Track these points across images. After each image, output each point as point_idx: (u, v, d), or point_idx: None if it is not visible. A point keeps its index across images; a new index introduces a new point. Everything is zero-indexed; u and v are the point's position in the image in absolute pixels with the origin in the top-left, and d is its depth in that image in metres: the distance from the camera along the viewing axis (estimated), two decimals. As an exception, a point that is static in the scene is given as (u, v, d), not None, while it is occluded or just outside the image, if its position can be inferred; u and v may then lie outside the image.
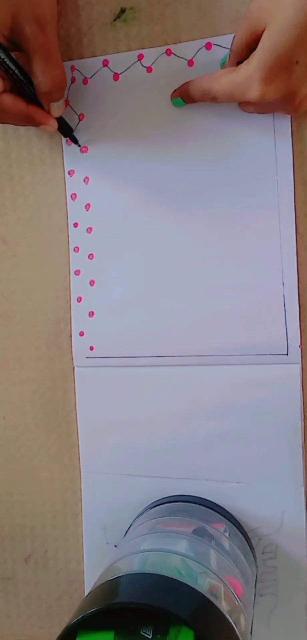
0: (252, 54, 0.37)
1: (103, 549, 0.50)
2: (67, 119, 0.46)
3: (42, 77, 0.41)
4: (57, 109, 0.43)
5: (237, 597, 0.37)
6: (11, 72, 0.41)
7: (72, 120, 0.47)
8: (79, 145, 0.48)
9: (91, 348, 0.49)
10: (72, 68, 0.47)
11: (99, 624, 0.33)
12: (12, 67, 0.41)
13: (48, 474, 0.52)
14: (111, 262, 0.48)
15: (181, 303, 0.47)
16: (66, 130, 0.46)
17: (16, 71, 0.41)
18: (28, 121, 0.43)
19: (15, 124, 0.44)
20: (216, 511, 0.46)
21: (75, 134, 0.47)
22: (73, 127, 0.47)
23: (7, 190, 0.50)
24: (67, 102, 0.47)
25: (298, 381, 0.45)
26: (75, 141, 0.47)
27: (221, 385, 0.46)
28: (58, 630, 0.34)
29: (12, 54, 0.41)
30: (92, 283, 0.49)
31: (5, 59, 0.40)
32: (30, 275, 0.51)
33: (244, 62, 0.38)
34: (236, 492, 0.47)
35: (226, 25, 0.43)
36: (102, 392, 0.49)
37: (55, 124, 0.44)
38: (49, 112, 0.43)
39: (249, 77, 0.37)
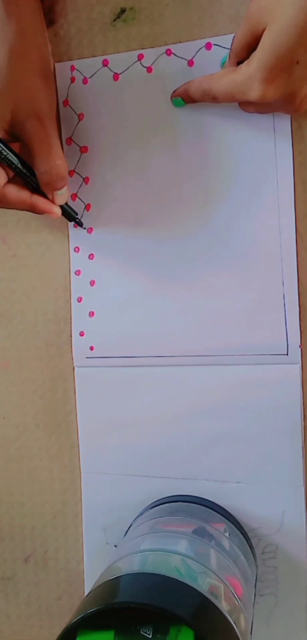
0: (252, 54, 0.37)
1: (103, 549, 0.50)
2: (66, 121, 0.46)
3: (43, 169, 0.42)
4: (60, 197, 0.44)
5: (237, 597, 0.37)
6: (14, 166, 0.42)
7: (72, 120, 0.47)
8: (85, 228, 0.48)
9: (91, 348, 0.49)
10: (72, 68, 0.47)
11: (99, 624, 0.33)
12: (15, 161, 0.42)
13: (48, 474, 0.52)
14: (111, 262, 0.48)
15: (181, 303, 0.47)
16: (70, 215, 0.47)
17: (19, 165, 0.42)
18: (32, 210, 0.44)
19: (19, 210, 0.45)
20: (216, 511, 0.46)
21: (73, 137, 0.47)
22: (72, 127, 0.47)
23: (7, 190, 0.50)
24: (66, 102, 0.47)
25: (298, 381, 0.45)
26: (80, 224, 0.48)
27: (221, 385, 0.46)
28: (58, 630, 0.34)
29: (12, 146, 0.42)
30: (92, 283, 0.49)
31: (8, 155, 0.41)
32: (30, 275, 0.51)
33: (245, 62, 0.38)
34: (236, 492, 0.47)
35: (226, 25, 0.43)
36: (102, 392, 0.49)
37: (58, 211, 0.45)
38: (52, 201, 0.44)
39: (249, 77, 0.37)
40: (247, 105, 0.42)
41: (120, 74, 0.46)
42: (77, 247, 0.49)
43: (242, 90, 0.38)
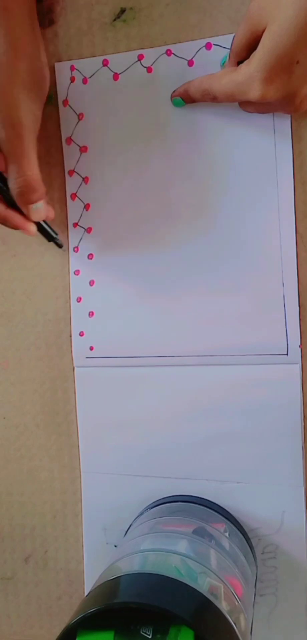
0: (252, 54, 0.37)
1: (103, 549, 0.50)
2: (66, 121, 0.46)
3: (15, 180, 0.41)
4: (35, 212, 0.43)
5: (237, 597, 0.37)
6: None
7: (71, 120, 0.47)
8: (64, 250, 0.48)
9: (91, 348, 0.49)
10: (72, 68, 0.47)
11: (99, 624, 0.33)
12: None
13: (48, 474, 0.52)
14: (111, 261, 0.48)
15: (181, 303, 0.47)
16: (48, 234, 0.45)
17: None
18: (4, 223, 0.43)
19: None
20: (216, 511, 0.46)
21: (73, 136, 0.47)
22: (72, 127, 0.47)
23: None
24: (66, 102, 0.47)
25: (298, 381, 0.45)
26: (60, 246, 0.47)
27: (221, 385, 0.46)
28: (58, 630, 0.34)
29: None
30: (92, 283, 0.49)
31: None
32: (30, 275, 0.51)
33: (245, 62, 0.38)
34: (236, 492, 0.47)
35: (226, 25, 0.43)
36: (102, 392, 0.49)
37: (33, 228, 0.44)
38: (27, 216, 0.43)
39: (249, 77, 0.37)
40: (247, 105, 0.42)
41: (120, 74, 0.46)
42: (77, 247, 0.49)
43: (243, 90, 0.38)
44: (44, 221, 0.45)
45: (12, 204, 0.43)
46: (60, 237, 0.48)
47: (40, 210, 0.43)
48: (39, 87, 0.44)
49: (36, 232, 0.44)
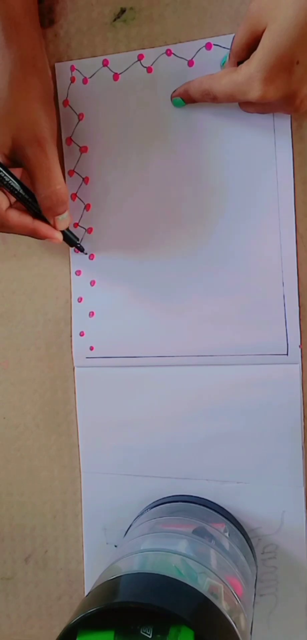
0: (252, 54, 0.37)
1: (103, 549, 0.50)
2: (66, 121, 0.46)
3: (44, 194, 0.42)
4: (61, 222, 0.44)
5: (237, 597, 0.37)
6: (16, 192, 0.42)
7: (71, 120, 0.47)
8: (86, 254, 0.49)
9: (91, 348, 0.49)
10: (72, 68, 0.47)
11: (99, 623, 0.33)
12: (17, 187, 0.42)
13: (48, 474, 0.52)
14: (111, 262, 0.48)
15: (181, 303, 0.47)
16: (71, 241, 0.47)
17: (21, 191, 0.42)
18: (34, 235, 0.44)
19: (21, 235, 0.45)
20: (216, 511, 0.46)
21: (73, 137, 0.47)
22: (72, 127, 0.47)
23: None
24: (66, 102, 0.47)
25: (298, 381, 0.45)
26: (81, 249, 0.48)
27: (221, 385, 0.46)
28: (58, 630, 0.34)
29: (14, 171, 0.42)
30: (92, 283, 0.49)
31: (10, 180, 0.42)
32: (30, 275, 0.51)
33: (245, 62, 0.38)
34: (236, 492, 0.47)
35: (226, 25, 0.43)
36: (102, 392, 0.49)
37: (60, 237, 0.45)
38: (54, 226, 0.44)
39: (249, 77, 0.37)
40: (248, 106, 0.42)
41: (120, 74, 0.46)
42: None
43: (243, 90, 0.38)
44: (67, 228, 0.46)
45: (37, 215, 0.43)
46: (62, 247, 0.48)
47: (66, 220, 0.44)
48: (52, 99, 0.44)
49: (62, 240, 0.45)
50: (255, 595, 0.45)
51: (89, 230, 0.49)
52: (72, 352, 0.50)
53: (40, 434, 0.52)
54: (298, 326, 0.44)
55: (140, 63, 0.45)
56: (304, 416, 0.45)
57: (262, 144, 0.43)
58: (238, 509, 0.47)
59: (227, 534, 0.44)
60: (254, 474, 0.46)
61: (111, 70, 0.46)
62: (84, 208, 0.48)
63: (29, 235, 0.44)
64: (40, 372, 0.51)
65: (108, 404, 0.49)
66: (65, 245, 0.48)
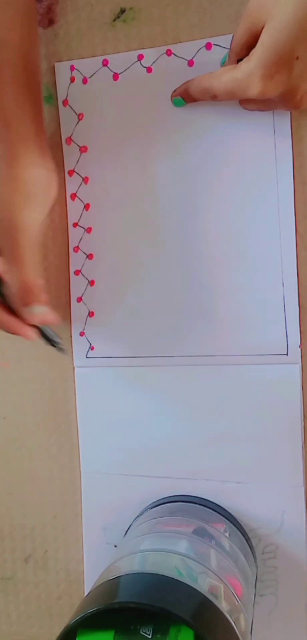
0: (252, 51, 0.37)
1: (103, 549, 0.50)
2: (66, 121, 0.46)
3: (10, 284, 0.41)
4: (34, 316, 0.41)
5: (237, 597, 0.37)
6: None
7: (71, 120, 0.47)
8: (67, 355, 0.48)
9: (91, 348, 0.49)
10: (72, 68, 0.47)
11: (99, 623, 0.33)
12: None
13: (48, 474, 0.52)
14: (111, 261, 0.48)
15: (181, 302, 0.47)
16: (49, 340, 0.44)
17: None
18: (3, 329, 0.42)
19: None
20: (216, 511, 0.46)
21: (73, 136, 0.47)
22: (72, 127, 0.47)
23: (7, 190, 0.50)
24: (66, 102, 0.47)
25: (298, 381, 0.45)
26: (61, 350, 0.44)
27: (221, 385, 0.46)
28: (58, 630, 0.34)
29: None
30: (92, 283, 0.49)
31: None
32: (30, 275, 0.51)
33: (244, 59, 0.38)
34: (236, 492, 0.47)
35: (226, 25, 0.43)
36: (102, 392, 0.49)
37: (30, 333, 0.42)
38: (23, 319, 0.41)
39: (249, 73, 0.37)
40: (248, 103, 0.42)
41: (120, 74, 0.46)
42: (77, 247, 0.49)
43: (243, 87, 0.38)
44: (46, 326, 0.43)
45: (14, 311, 0.42)
46: (61, 237, 0.48)
47: (41, 315, 0.41)
48: (43, 194, 0.42)
49: (36, 337, 0.43)
50: (255, 595, 0.45)
51: (89, 230, 0.49)
52: (72, 352, 0.50)
53: (40, 434, 0.52)
54: (298, 326, 0.44)
55: (140, 63, 0.45)
56: (304, 416, 0.45)
57: (262, 144, 0.43)
58: (238, 509, 0.47)
59: (227, 534, 0.44)
60: (254, 474, 0.46)
61: (111, 70, 0.46)
62: (84, 208, 0.48)
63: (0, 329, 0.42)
64: (40, 372, 0.51)
65: (108, 404, 0.49)
66: (65, 247, 0.48)
